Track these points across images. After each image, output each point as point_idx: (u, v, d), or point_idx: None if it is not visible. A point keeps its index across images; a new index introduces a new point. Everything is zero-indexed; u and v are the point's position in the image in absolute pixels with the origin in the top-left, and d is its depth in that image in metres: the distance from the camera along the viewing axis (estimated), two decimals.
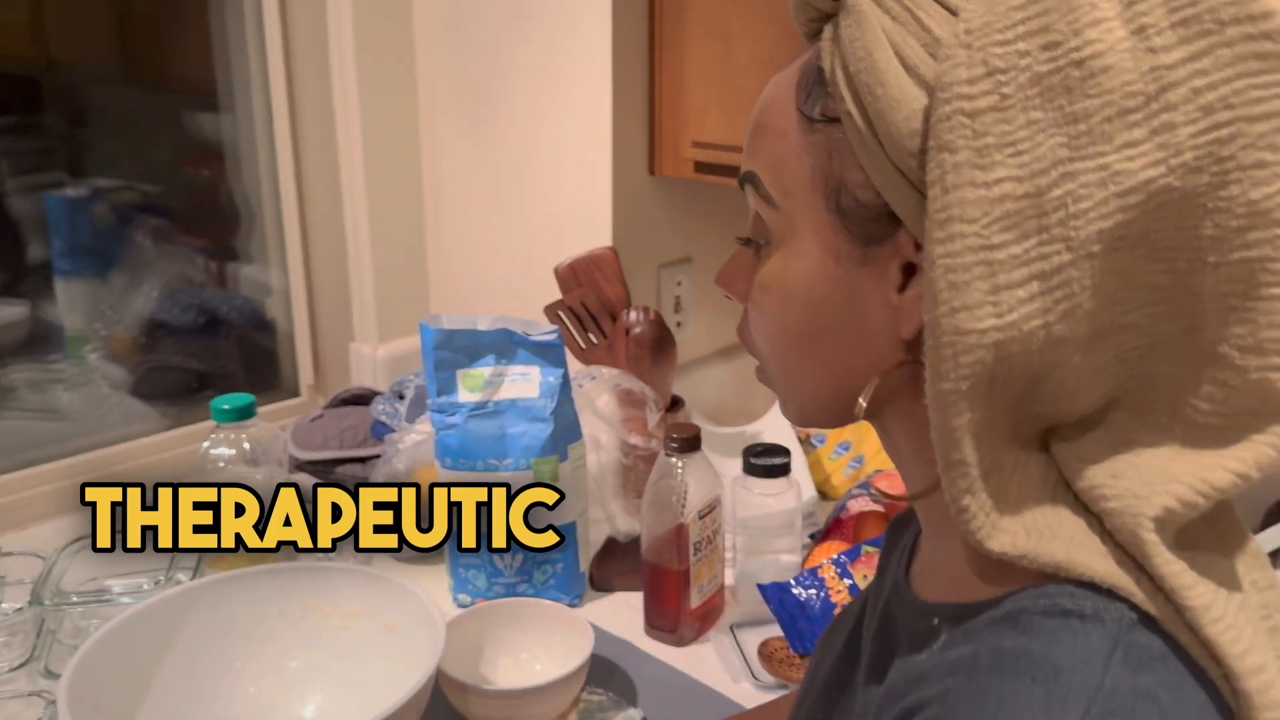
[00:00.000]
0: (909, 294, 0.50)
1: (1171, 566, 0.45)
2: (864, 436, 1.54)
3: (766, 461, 1.22)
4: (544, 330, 1.21)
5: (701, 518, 1.16)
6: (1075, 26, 0.42)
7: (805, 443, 1.55)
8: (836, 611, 1.13)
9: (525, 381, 1.20)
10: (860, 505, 1.30)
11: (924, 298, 0.46)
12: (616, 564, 1.31)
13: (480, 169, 1.54)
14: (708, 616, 1.20)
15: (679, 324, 1.56)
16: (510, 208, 1.53)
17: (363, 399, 1.52)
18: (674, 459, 1.15)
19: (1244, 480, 0.45)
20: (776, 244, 0.54)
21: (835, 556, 1.19)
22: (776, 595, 1.17)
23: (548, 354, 1.21)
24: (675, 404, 1.41)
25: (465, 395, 1.19)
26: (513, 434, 1.19)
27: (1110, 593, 0.46)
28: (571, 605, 1.24)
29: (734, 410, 1.68)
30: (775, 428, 1.56)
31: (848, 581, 1.15)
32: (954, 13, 0.46)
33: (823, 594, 1.16)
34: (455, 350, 1.19)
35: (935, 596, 0.55)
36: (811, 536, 1.34)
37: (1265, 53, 0.41)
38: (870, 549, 1.17)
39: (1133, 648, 0.44)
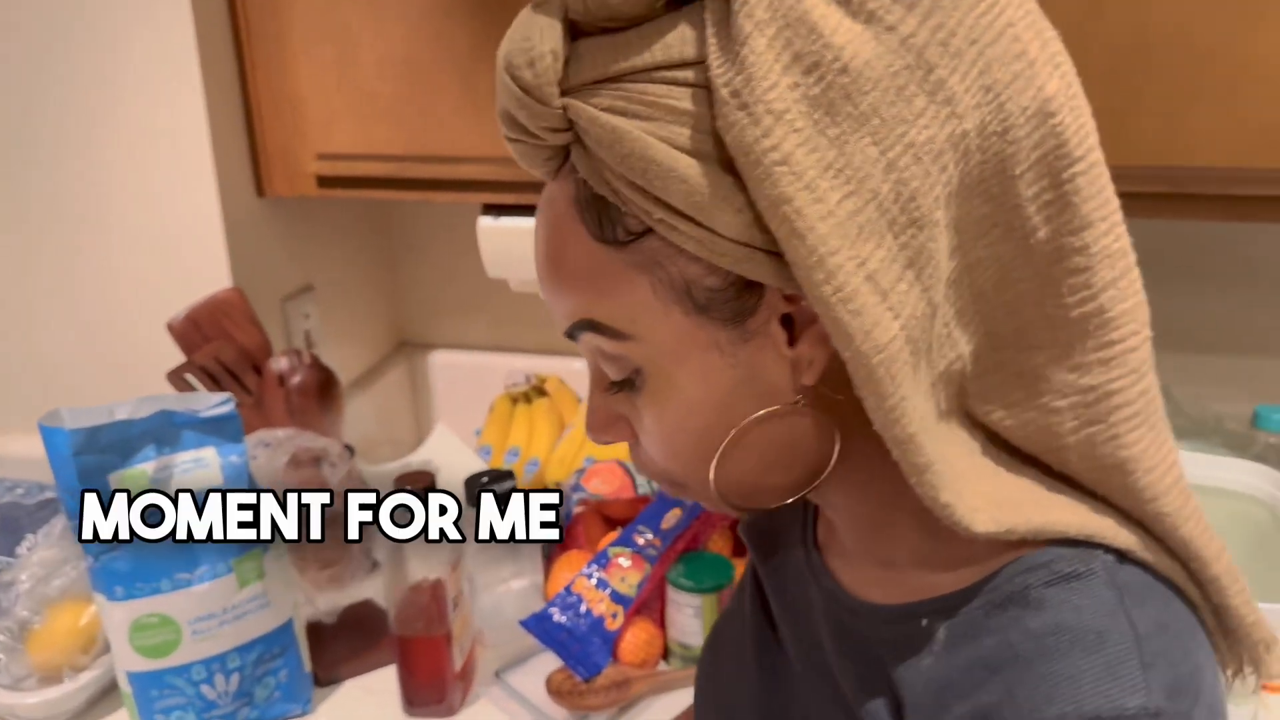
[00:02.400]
0: (801, 345, 0.49)
1: (1152, 491, 0.50)
2: (532, 438, 1.48)
3: (495, 489, 1.12)
4: (212, 402, 0.99)
5: (455, 569, 1.04)
6: (820, 42, 0.43)
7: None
8: (612, 625, 1.08)
9: (202, 469, 0.98)
10: (579, 509, 1.25)
11: (831, 337, 0.46)
12: (335, 649, 1.13)
13: (18, 229, 1.22)
14: (467, 673, 1.09)
15: None
16: (83, 267, 1.24)
17: None
18: None
19: (1147, 338, 0.49)
20: (648, 371, 0.51)
21: (583, 569, 1.13)
22: (540, 627, 1.09)
23: (222, 429, 0.99)
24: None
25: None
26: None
27: (1084, 541, 0.49)
28: (303, 714, 1.06)
29: (379, 442, 1.53)
30: (443, 450, 1.44)
31: (606, 591, 1.10)
32: (697, 85, 0.45)
33: (584, 610, 1.10)
34: (101, 451, 0.93)
35: (894, 598, 0.54)
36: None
37: None
38: (618, 550, 1.13)
39: (1128, 588, 0.48)
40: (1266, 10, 0.90)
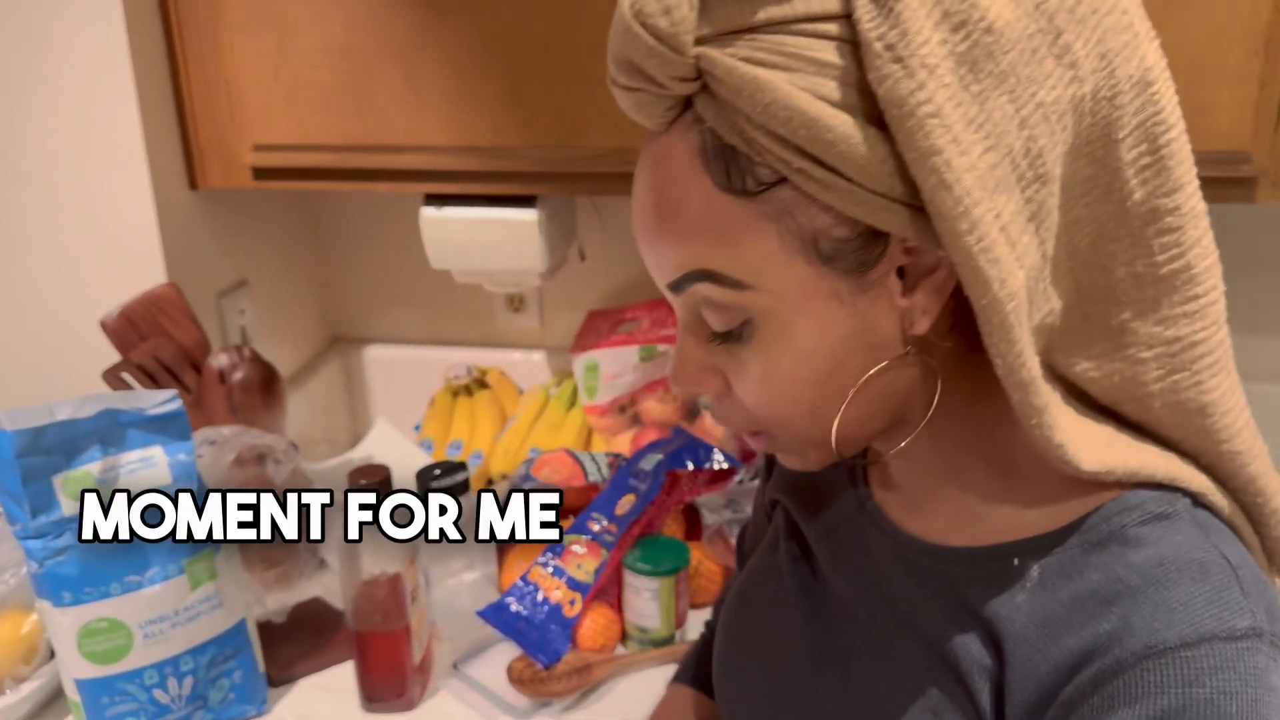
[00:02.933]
0: (918, 295, 0.51)
1: (1227, 433, 0.54)
2: (474, 433, 1.47)
3: (448, 482, 1.12)
4: (158, 400, 0.97)
5: (412, 563, 1.03)
6: (968, 2, 0.45)
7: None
8: (570, 612, 1.09)
9: (149, 468, 0.95)
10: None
11: (967, 286, 0.48)
12: (287, 648, 1.11)
13: None
14: (425, 666, 1.08)
15: None
16: (13, 265, 1.19)
17: None
18: None
19: (1223, 291, 0.53)
20: (762, 321, 0.52)
21: (539, 559, 1.13)
22: (499, 617, 1.09)
23: (169, 427, 0.97)
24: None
25: (71, 506, 0.91)
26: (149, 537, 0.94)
27: (1166, 485, 0.53)
28: (259, 715, 1.04)
29: (315, 440, 1.51)
30: (384, 445, 1.43)
31: (563, 578, 1.11)
32: (841, 39, 0.46)
33: (541, 599, 1.10)
34: (46, 453, 0.90)
35: (975, 540, 0.57)
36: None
37: None
38: (573, 537, 1.13)
39: (1208, 526, 0.52)
40: None
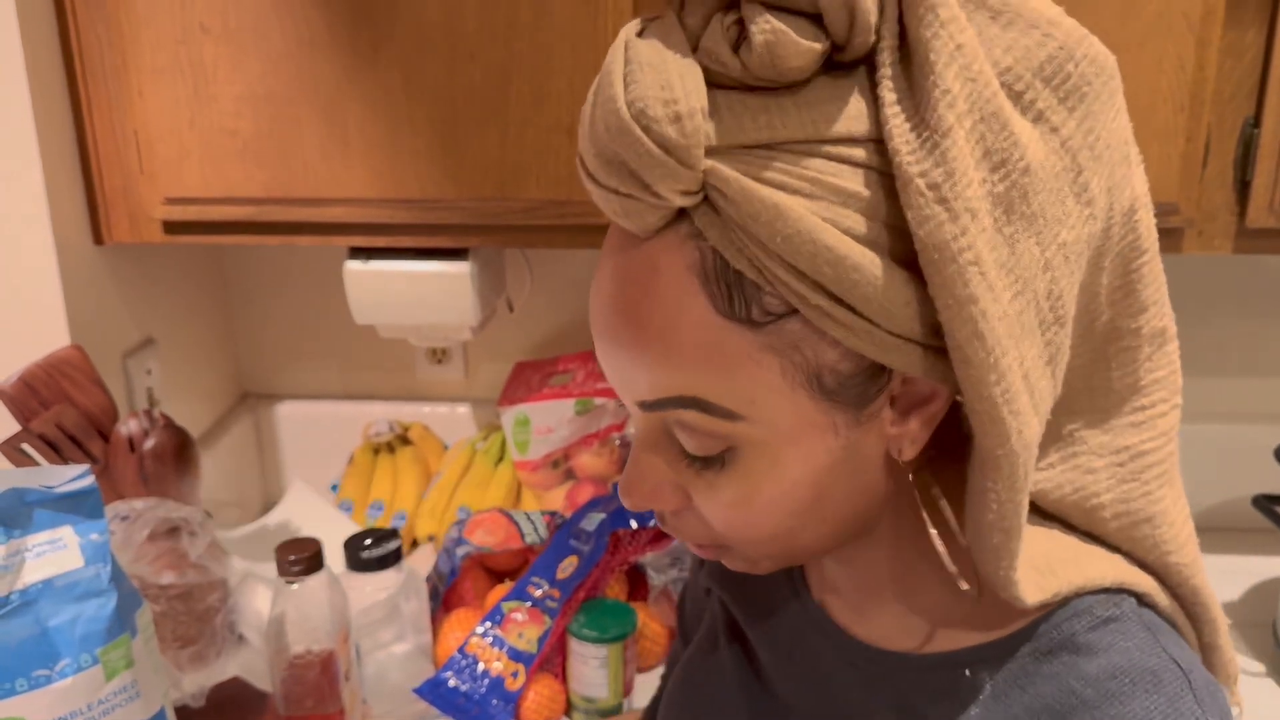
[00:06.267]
0: (911, 423, 0.48)
1: (1173, 544, 0.54)
2: (397, 492, 1.41)
3: (379, 552, 1.06)
4: (67, 476, 0.89)
5: (345, 640, 0.97)
6: (1010, 139, 0.42)
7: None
8: (513, 684, 1.04)
9: (59, 550, 0.87)
10: (463, 564, 1.20)
11: (980, 434, 0.45)
12: None
13: None
14: None
15: None
16: None
17: None
18: (295, 584, 0.94)
19: (1176, 405, 0.53)
20: (746, 450, 0.48)
21: (476, 628, 1.08)
22: (435, 693, 1.03)
23: (80, 505, 0.89)
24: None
25: None
26: (59, 626, 0.86)
27: (1113, 588, 0.52)
28: None
29: (225, 504, 1.42)
30: (303, 511, 1.36)
31: (504, 649, 1.06)
32: (869, 167, 0.42)
33: (481, 671, 1.05)
34: None
35: (924, 647, 0.54)
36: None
37: (1116, 88, 0.46)
38: (512, 604, 1.09)
39: (1155, 627, 0.51)
40: None
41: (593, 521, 1.13)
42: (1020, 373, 0.44)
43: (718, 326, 0.45)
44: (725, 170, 0.42)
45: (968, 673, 0.52)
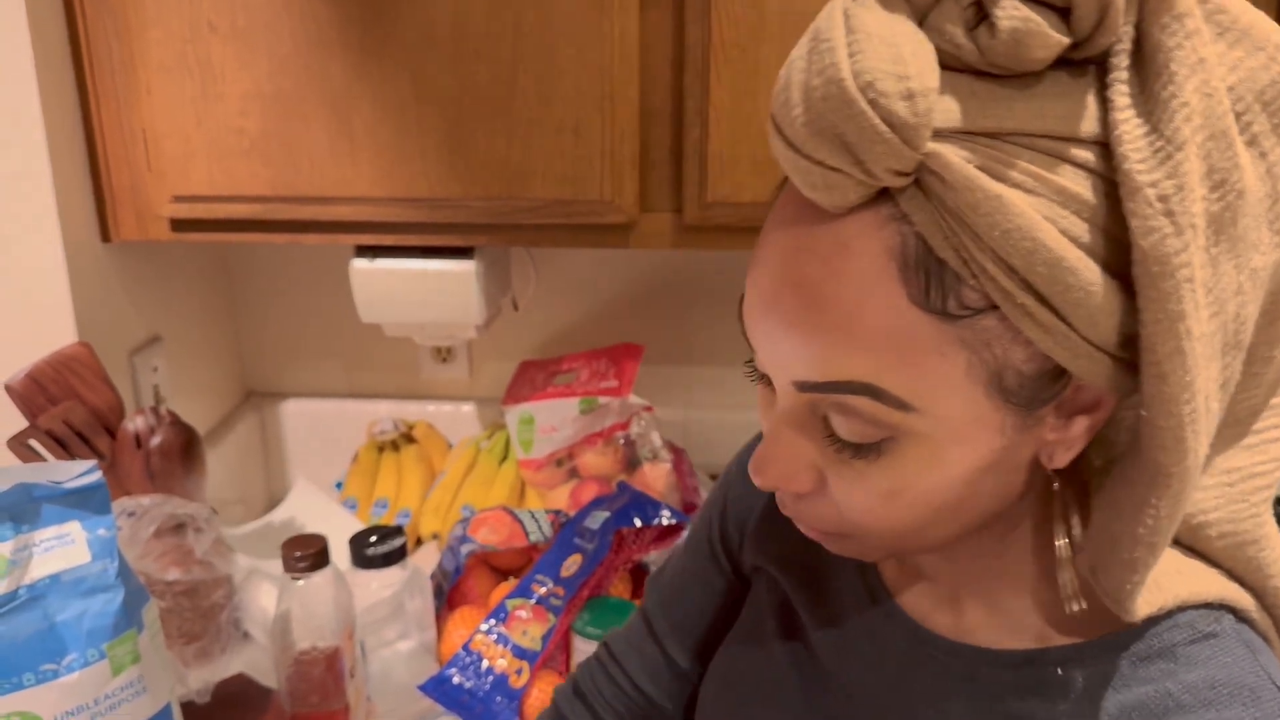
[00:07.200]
0: (1073, 430, 0.47)
1: (1276, 567, 0.54)
2: (401, 490, 1.42)
3: (384, 549, 1.06)
4: (75, 471, 0.89)
5: (350, 636, 0.97)
6: (1232, 160, 0.41)
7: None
8: (517, 682, 1.04)
9: (66, 545, 0.88)
10: (467, 562, 1.20)
11: (1160, 450, 0.44)
12: None
13: None
14: None
15: None
16: None
17: None
18: (301, 580, 0.95)
19: None
20: (908, 442, 0.46)
21: (481, 626, 1.08)
22: (440, 690, 1.04)
23: (88, 501, 0.90)
24: None
25: None
26: (66, 621, 0.87)
27: (1215, 603, 0.52)
28: None
29: (229, 501, 1.43)
30: (307, 509, 1.36)
31: (508, 646, 1.06)
32: (1096, 172, 0.41)
33: (485, 669, 1.05)
34: None
35: (1011, 643, 0.54)
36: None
37: None
38: (516, 602, 1.09)
39: (1254, 646, 0.52)
40: None
41: (597, 520, 1.14)
42: (1203, 394, 0.43)
43: (909, 314, 0.43)
44: (949, 155, 0.40)
45: (1059, 671, 0.52)
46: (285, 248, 1.45)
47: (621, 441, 1.32)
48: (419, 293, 1.18)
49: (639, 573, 1.18)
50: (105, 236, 1.14)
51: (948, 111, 0.41)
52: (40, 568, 0.86)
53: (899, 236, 0.42)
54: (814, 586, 0.64)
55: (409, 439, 1.46)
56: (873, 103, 0.40)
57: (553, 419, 1.34)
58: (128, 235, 1.14)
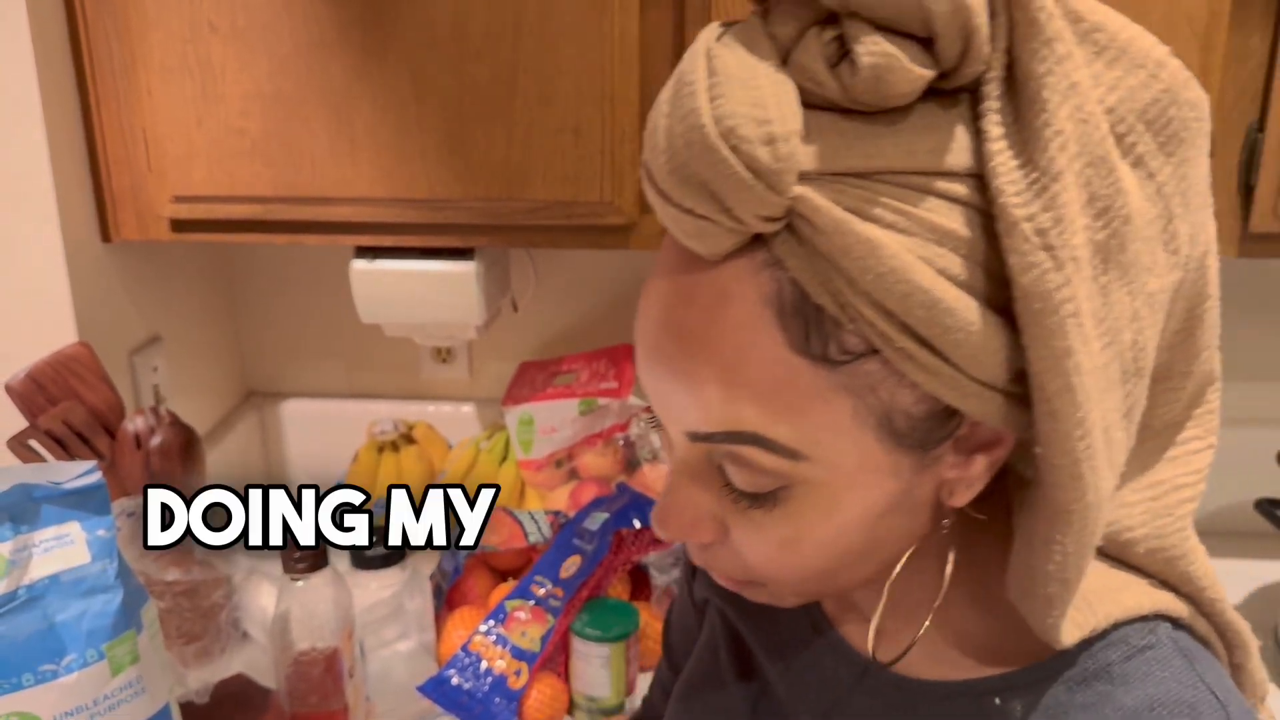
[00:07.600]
0: (973, 468, 0.46)
1: (1207, 579, 0.52)
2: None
3: (383, 550, 1.07)
4: (75, 472, 0.89)
5: (349, 636, 0.98)
6: (1114, 185, 0.40)
7: None
8: (516, 683, 1.04)
9: (66, 546, 0.88)
10: (467, 562, 1.20)
11: (1056, 487, 0.43)
12: None
13: None
14: None
15: None
16: None
17: None
18: (300, 581, 0.95)
19: (1211, 445, 0.52)
20: (802, 491, 0.45)
21: (480, 626, 1.08)
22: (439, 691, 1.04)
23: (87, 501, 0.89)
24: None
25: None
26: (65, 621, 0.87)
27: (1151, 615, 0.51)
28: None
29: None
30: None
31: (506, 647, 1.06)
32: (970, 205, 0.40)
33: (484, 670, 1.06)
34: None
35: (951, 674, 0.53)
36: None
37: (1207, 131, 0.44)
38: (515, 603, 1.09)
39: (1192, 653, 0.50)
40: None
41: (596, 521, 1.14)
42: (1101, 426, 0.42)
43: (789, 362, 0.42)
44: (817, 199, 0.39)
45: (998, 701, 0.50)
46: (285, 248, 1.45)
47: (621, 442, 1.32)
48: (419, 293, 1.18)
49: (638, 574, 1.18)
50: (106, 236, 1.14)
51: (813, 153, 0.39)
52: (40, 568, 0.86)
53: (775, 283, 0.41)
54: (758, 618, 0.62)
55: (409, 439, 1.46)
56: (734, 149, 0.38)
57: (552, 420, 1.34)
58: (128, 235, 1.14)
